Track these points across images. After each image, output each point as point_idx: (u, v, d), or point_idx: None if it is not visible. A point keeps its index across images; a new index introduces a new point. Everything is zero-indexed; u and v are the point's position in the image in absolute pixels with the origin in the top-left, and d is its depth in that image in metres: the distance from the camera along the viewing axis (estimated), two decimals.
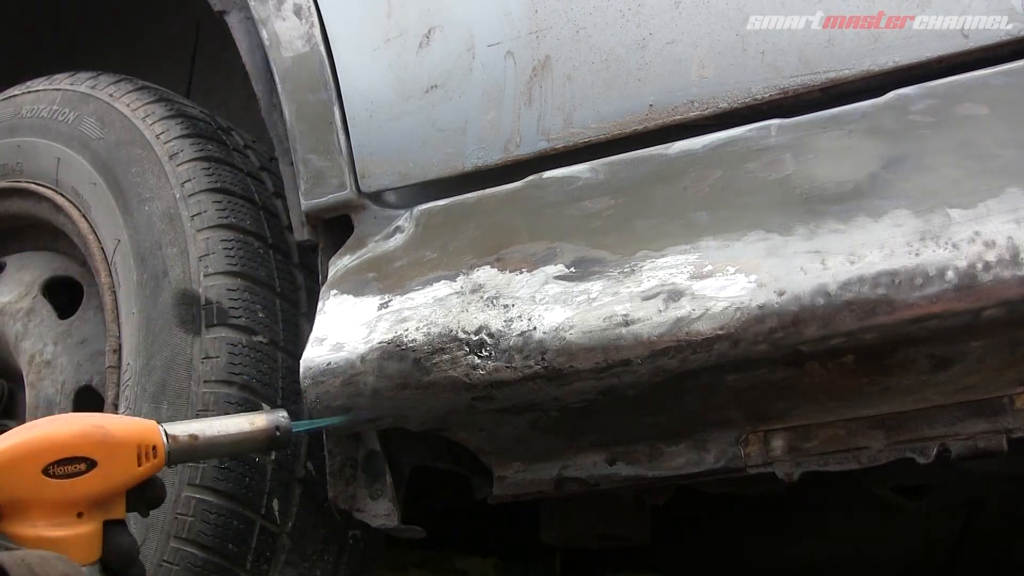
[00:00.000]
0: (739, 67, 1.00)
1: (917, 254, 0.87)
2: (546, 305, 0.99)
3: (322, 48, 1.20)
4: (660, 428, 1.05)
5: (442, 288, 1.07)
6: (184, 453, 0.93)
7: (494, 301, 1.02)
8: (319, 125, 1.19)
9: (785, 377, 0.96)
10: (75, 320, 1.51)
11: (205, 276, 1.27)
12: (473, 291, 1.04)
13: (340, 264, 1.16)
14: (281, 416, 1.00)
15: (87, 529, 0.86)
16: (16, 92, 1.57)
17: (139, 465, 0.88)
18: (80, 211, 1.44)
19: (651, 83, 1.04)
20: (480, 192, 1.11)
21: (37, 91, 1.54)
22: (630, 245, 1.00)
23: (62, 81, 1.53)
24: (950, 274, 0.85)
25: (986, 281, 0.84)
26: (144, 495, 0.91)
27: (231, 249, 1.28)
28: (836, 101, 0.97)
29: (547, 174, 1.07)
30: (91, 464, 0.85)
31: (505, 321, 1.00)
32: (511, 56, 1.11)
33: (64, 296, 1.55)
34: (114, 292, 1.38)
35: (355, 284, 1.13)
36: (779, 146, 0.97)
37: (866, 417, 0.99)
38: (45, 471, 0.83)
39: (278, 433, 0.99)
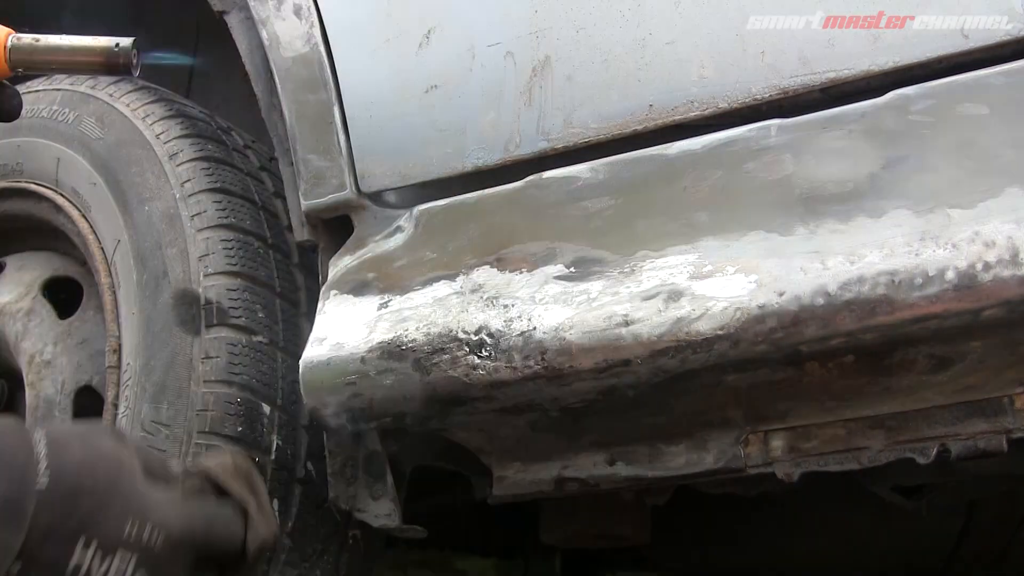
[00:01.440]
0: (739, 67, 1.00)
1: (917, 254, 0.87)
2: (546, 305, 0.99)
3: (322, 48, 1.20)
4: (660, 428, 1.05)
5: (442, 288, 1.07)
6: (25, 53, 0.97)
7: (494, 301, 1.02)
8: (319, 125, 1.19)
9: (785, 377, 0.96)
10: (75, 320, 1.51)
11: (205, 276, 1.27)
12: (473, 291, 1.04)
13: (340, 264, 1.16)
14: (126, 40, 1.02)
15: None
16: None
17: None
18: (80, 211, 1.44)
19: (651, 83, 1.04)
20: (480, 192, 1.11)
21: (37, 91, 1.54)
22: (630, 245, 0.99)
23: (62, 81, 1.53)
24: (950, 274, 0.85)
25: (986, 281, 0.84)
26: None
27: (231, 249, 1.28)
28: (836, 101, 0.97)
29: (547, 174, 1.07)
30: None
31: (505, 321, 1.00)
32: (511, 56, 1.10)
33: (64, 296, 1.55)
34: (114, 292, 1.38)
35: (355, 284, 1.13)
36: (779, 146, 0.97)
37: (866, 417, 0.99)
38: None
39: (116, 48, 1.01)
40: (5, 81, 0.98)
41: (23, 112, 1.52)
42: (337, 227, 1.21)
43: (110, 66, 1.02)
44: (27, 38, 0.99)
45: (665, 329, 0.93)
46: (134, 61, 1.01)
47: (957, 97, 0.92)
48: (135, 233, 1.34)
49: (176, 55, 1.10)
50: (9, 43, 0.97)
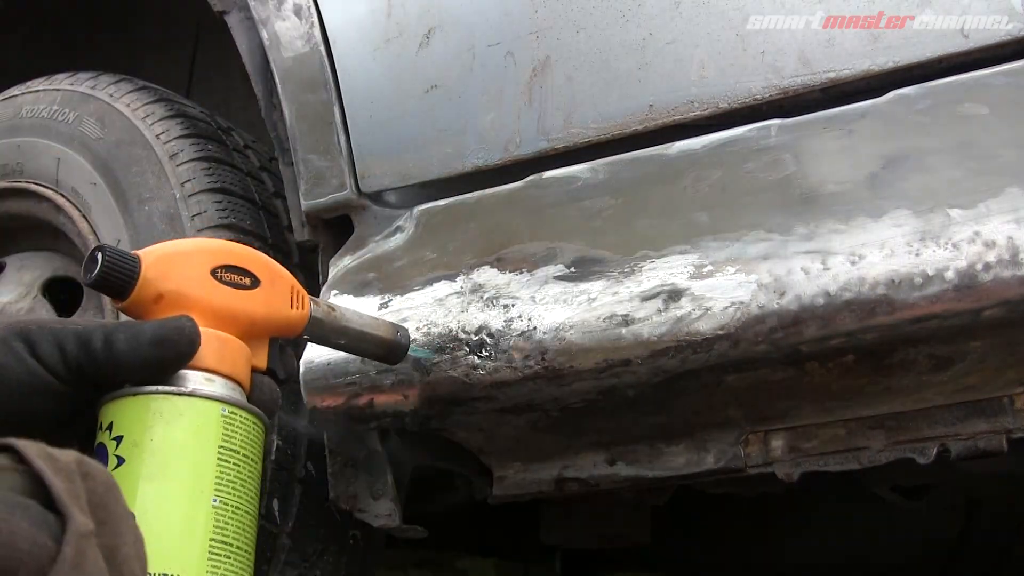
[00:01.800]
0: (739, 67, 1.00)
1: (917, 254, 0.87)
2: (546, 305, 0.99)
3: (322, 48, 1.20)
4: (660, 428, 1.05)
5: (442, 288, 1.07)
6: (320, 320, 0.85)
7: (494, 301, 1.02)
8: (319, 125, 1.19)
9: (785, 377, 0.96)
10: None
11: None
12: (473, 291, 1.04)
13: (340, 264, 1.16)
14: (405, 329, 0.95)
15: (247, 359, 0.78)
16: (16, 92, 1.57)
17: (291, 307, 0.82)
18: (80, 211, 1.44)
19: (651, 83, 1.04)
20: (480, 192, 1.11)
21: (37, 91, 1.54)
22: (630, 245, 0.99)
23: (62, 81, 1.53)
24: (950, 274, 0.85)
25: (986, 281, 0.84)
26: (279, 356, 0.84)
27: None
28: (836, 101, 0.97)
29: (547, 174, 1.07)
30: (255, 281, 0.78)
31: (505, 321, 1.00)
32: (511, 56, 1.11)
33: (64, 296, 1.55)
34: None
35: (355, 284, 1.13)
36: (779, 146, 0.97)
37: (866, 417, 0.99)
38: (213, 272, 0.76)
39: (399, 337, 0.93)
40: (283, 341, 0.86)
41: (23, 112, 1.53)
42: (337, 227, 1.21)
43: (390, 354, 0.94)
44: (324, 306, 0.86)
45: (665, 329, 0.93)
46: (405, 354, 0.94)
47: (957, 97, 0.92)
48: (135, 233, 1.34)
49: (427, 352, 1.01)
50: (314, 311, 0.84)
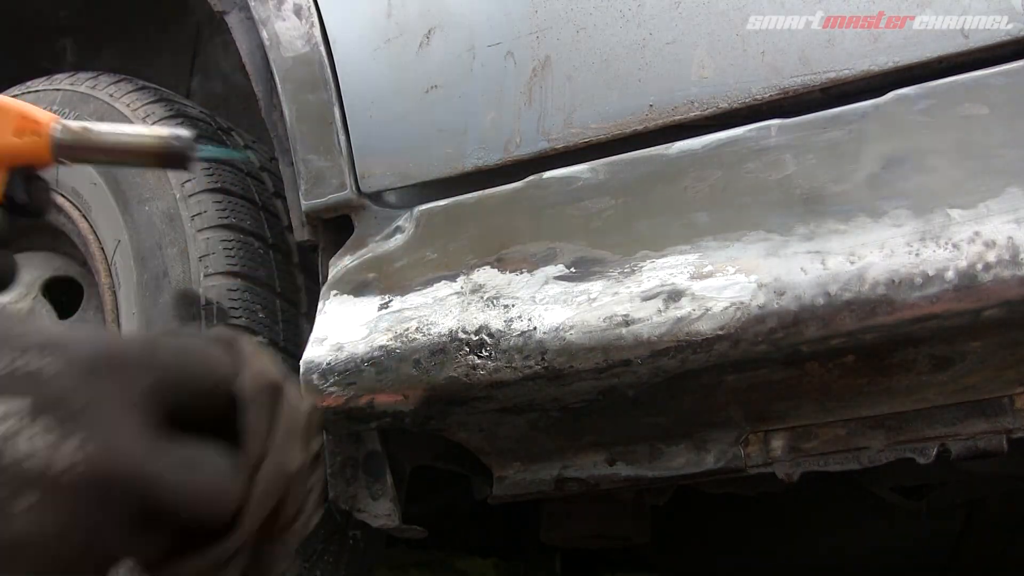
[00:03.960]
0: (739, 67, 1.00)
1: (917, 254, 0.87)
2: (546, 305, 0.99)
3: (322, 48, 1.20)
4: (660, 428, 1.05)
5: (442, 288, 1.07)
6: (72, 142, 0.87)
7: (494, 301, 1.02)
8: (319, 125, 1.19)
9: (785, 377, 0.96)
10: (75, 320, 1.51)
11: (205, 276, 1.27)
12: (473, 291, 1.04)
13: (340, 264, 1.16)
14: (185, 132, 0.92)
15: None
16: (16, 92, 1.57)
17: (18, 136, 0.85)
18: (80, 211, 1.44)
19: (651, 83, 1.04)
20: (480, 192, 1.11)
21: (37, 91, 1.54)
22: (630, 245, 1.00)
23: (62, 81, 1.53)
24: (950, 274, 0.85)
25: (986, 281, 0.84)
26: (29, 186, 0.87)
27: (231, 249, 1.28)
28: (836, 101, 0.97)
29: (547, 174, 1.07)
30: None
31: (505, 321, 1.00)
32: (511, 56, 1.11)
33: (64, 296, 1.55)
34: (114, 292, 1.38)
35: (355, 284, 1.13)
36: (779, 146, 0.97)
37: (866, 417, 0.99)
38: None
39: (176, 143, 0.90)
40: (39, 173, 0.87)
41: None
42: (337, 227, 1.21)
43: (167, 160, 0.92)
44: (75, 126, 0.87)
45: (665, 329, 0.93)
46: (192, 156, 0.92)
47: (957, 97, 0.92)
48: (135, 233, 1.34)
49: (227, 151, 0.99)
50: (55, 133, 0.86)
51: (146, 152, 0.90)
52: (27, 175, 0.86)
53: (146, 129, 0.91)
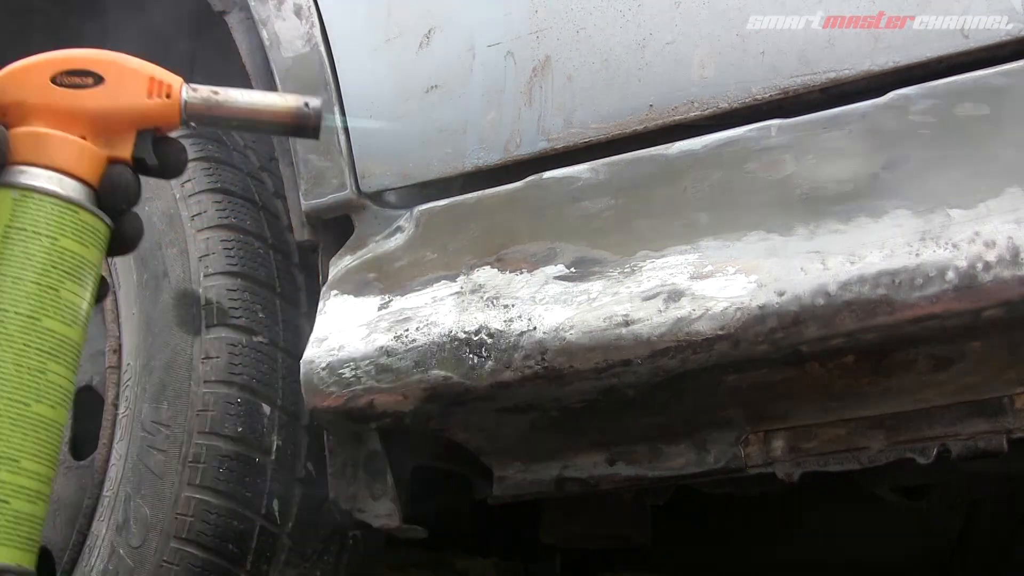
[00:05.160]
0: (739, 67, 1.00)
1: (917, 254, 0.87)
2: (546, 305, 0.99)
3: (322, 48, 1.20)
4: (660, 428, 1.05)
5: (442, 288, 1.07)
6: (202, 108, 0.88)
7: (494, 301, 1.02)
8: None
9: (785, 377, 0.96)
10: None
11: (205, 276, 1.27)
12: (473, 291, 1.04)
13: (340, 264, 1.16)
14: (315, 100, 0.93)
15: (89, 151, 0.83)
16: None
17: (149, 98, 0.86)
18: None
19: (651, 83, 1.04)
20: (480, 192, 1.11)
21: None
22: (630, 245, 1.00)
23: None
24: (950, 274, 0.85)
25: (986, 281, 0.84)
26: (158, 148, 0.87)
27: (231, 249, 1.28)
28: (836, 101, 0.97)
29: (547, 174, 1.07)
30: (98, 80, 0.84)
31: (505, 321, 1.00)
32: (511, 56, 1.11)
33: None
34: (114, 292, 1.38)
35: (355, 284, 1.13)
36: (779, 146, 0.97)
37: (866, 417, 0.99)
38: (53, 79, 0.83)
39: (307, 108, 0.91)
40: (172, 135, 0.88)
41: None
42: (337, 227, 1.21)
43: (297, 127, 0.92)
44: (204, 90, 0.88)
45: (665, 329, 0.93)
46: (320, 123, 0.92)
47: (957, 97, 0.92)
48: None
49: (346, 118, 0.97)
50: (184, 95, 0.87)
51: (276, 118, 0.91)
52: (156, 137, 0.87)
53: (276, 96, 0.92)
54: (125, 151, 0.85)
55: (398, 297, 1.09)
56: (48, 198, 0.79)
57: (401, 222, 1.15)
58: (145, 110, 0.86)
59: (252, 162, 1.42)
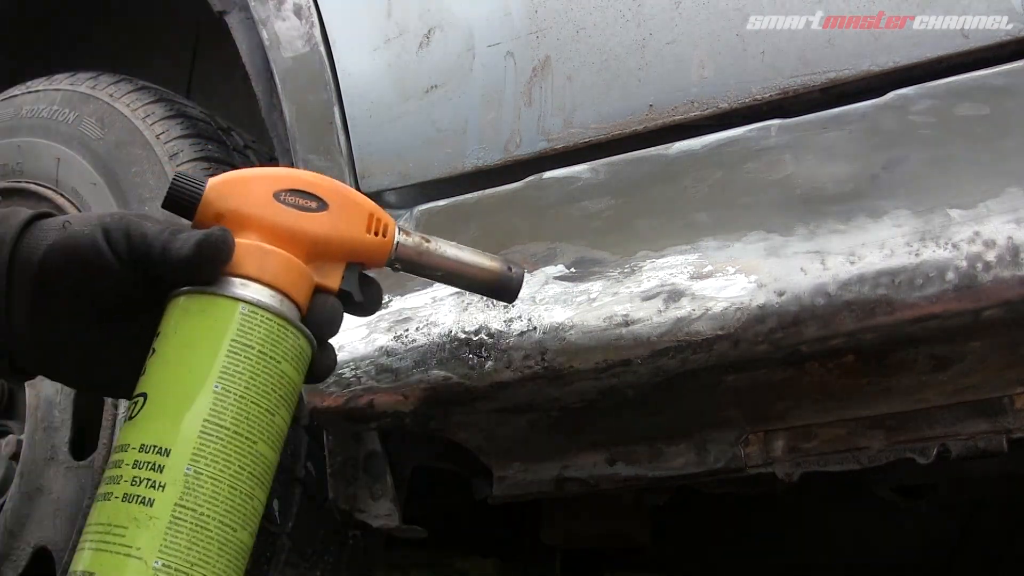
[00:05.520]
0: (739, 67, 1.00)
1: (917, 254, 0.87)
2: (546, 305, 0.99)
3: (322, 48, 1.20)
4: (660, 428, 1.05)
5: (442, 288, 1.07)
6: (411, 253, 0.85)
7: (494, 301, 1.02)
8: (319, 125, 1.19)
9: (785, 377, 0.96)
10: None
11: None
12: None
13: None
14: (519, 268, 0.90)
15: (307, 275, 0.80)
16: (16, 92, 1.57)
17: (367, 232, 0.82)
18: (80, 211, 1.44)
19: (651, 83, 1.04)
20: (480, 192, 1.11)
21: (37, 91, 1.54)
22: (630, 245, 1.00)
23: (62, 81, 1.53)
24: (950, 274, 0.85)
25: (986, 281, 0.84)
26: (361, 282, 0.84)
27: None
28: (836, 101, 0.97)
29: (547, 174, 1.07)
30: (322, 205, 0.80)
31: (505, 321, 1.00)
32: (511, 56, 1.11)
33: None
34: None
35: None
36: (779, 146, 0.97)
37: (866, 417, 0.99)
38: (276, 195, 0.79)
39: (510, 272, 0.89)
40: (370, 273, 0.85)
41: (23, 112, 1.53)
42: None
43: (498, 290, 0.89)
44: (415, 236, 0.85)
45: (665, 329, 0.93)
46: (518, 291, 0.90)
47: (957, 97, 0.92)
48: None
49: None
50: (398, 237, 0.84)
51: (478, 276, 0.88)
52: (362, 272, 0.84)
53: (481, 255, 0.89)
54: (333, 282, 0.82)
55: (398, 297, 1.09)
56: (275, 319, 0.75)
57: (401, 222, 1.15)
58: (362, 245, 0.82)
59: (252, 162, 1.42)
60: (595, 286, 0.99)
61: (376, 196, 1.18)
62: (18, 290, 0.77)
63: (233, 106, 1.85)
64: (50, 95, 1.51)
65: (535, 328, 0.98)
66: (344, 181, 1.17)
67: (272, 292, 0.76)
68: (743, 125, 1.00)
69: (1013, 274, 0.84)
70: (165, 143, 1.36)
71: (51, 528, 1.33)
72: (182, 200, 0.78)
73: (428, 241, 0.86)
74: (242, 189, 0.79)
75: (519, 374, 0.99)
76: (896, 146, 0.92)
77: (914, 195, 0.90)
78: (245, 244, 0.76)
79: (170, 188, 0.78)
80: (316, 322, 0.79)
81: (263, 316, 0.75)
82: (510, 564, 2.08)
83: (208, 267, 0.74)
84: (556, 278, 1.01)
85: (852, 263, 0.89)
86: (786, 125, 0.98)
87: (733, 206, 0.97)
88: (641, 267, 0.98)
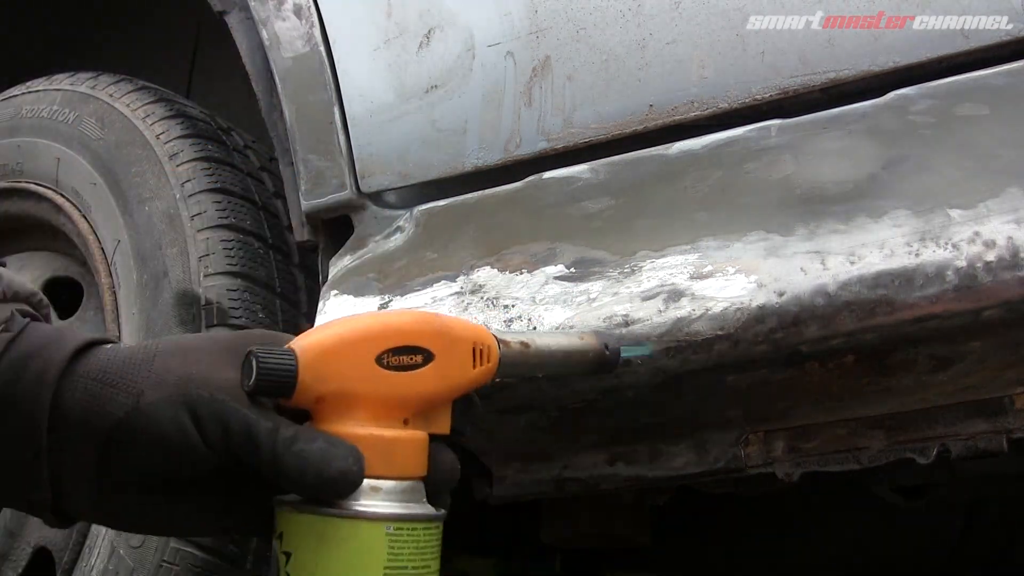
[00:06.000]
0: (739, 67, 1.00)
1: (917, 254, 0.87)
2: (546, 305, 0.99)
3: (322, 48, 1.20)
4: (660, 428, 1.05)
5: (442, 288, 1.07)
6: (514, 361, 0.77)
7: (494, 302, 1.02)
8: (319, 125, 1.19)
9: (785, 377, 0.96)
10: (75, 320, 1.51)
11: (205, 276, 1.27)
12: (473, 291, 1.04)
13: (340, 264, 1.16)
14: (615, 343, 0.85)
15: (424, 442, 0.72)
16: (16, 92, 1.57)
17: (474, 367, 0.74)
18: (80, 211, 1.44)
19: (651, 83, 1.04)
20: (480, 192, 1.11)
21: (37, 91, 1.54)
22: (630, 245, 0.99)
23: (62, 81, 1.53)
24: (950, 274, 0.85)
25: (986, 281, 0.84)
26: (467, 411, 0.77)
27: (231, 249, 1.28)
28: (836, 101, 0.97)
29: (547, 174, 1.07)
30: (428, 357, 0.71)
31: (505, 321, 1.00)
32: (511, 56, 1.11)
33: (64, 296, 1.55)
34: (114, 292, 1.38)
35: (355, 284, 1.13)
36: (779, 146, 0.97)
37: (866, 417, 0.99)
38: (379, 360, 0.69)
39: (607, 351, 0.83)
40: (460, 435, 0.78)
41: (23, 112, 1.53)
42: (337, 227, 1.21)
43: (599, 368, 0.84)
44: (514, 343, 0.77)
45: (665, 329, 0.93)
46: (617, 361, 0.85)
47: (957, 97, 0.92)
48: (135, 233, 1.34)
49: (642, 347, 0.91)
50: (501, 352, 0.75)
51: (580, 361, 0.83)
52: (466, 400, 0.77)
53: (576, 337, 0.83)
54: (444, 427, 0.74)
55: (398, 297, 1.09)
56: (419, 525, 0.68)
57: (401, 222, 1.15)
58: (470, 383, 0.75)
59: (252, 162, 1.42)
60: (595, 286, 0.98)
61: (376, 196, 1.18)
62: (69, 452, 0.68)
63: (233, 106, 1.85)
64: (50, 95, 1.51)
65: (535, 328, 0.98)
66: (344, 181, 1.17)
67: (405, 484, 0.69)
68: (743, 125, 1.00)
69: (1013, 274, 0.84)
70: (165, 143, 1.37)
71: (51, 528, 1.33)
72: (274, 386, 0.67)
73: (527, 346, 0.78)
74: (342, 364, 0.69)
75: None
76: (896, 146, 0.92)
77: (914, 195, 0.90)
78: (364, 437, 0.68)
79: (258, 373, 0.67)
80: (437, 482, 0.73)
81: (409, 530, 0.68)
82: (510, 564, 2.08)
83: (344, 490, 0.66)
84: (556, 278, 1.01)
85: (852, 263, 0.89)
86: (786, 125, 0.98)
87: (733, 206, 0.97)
88: (641, 267, 0.97)
